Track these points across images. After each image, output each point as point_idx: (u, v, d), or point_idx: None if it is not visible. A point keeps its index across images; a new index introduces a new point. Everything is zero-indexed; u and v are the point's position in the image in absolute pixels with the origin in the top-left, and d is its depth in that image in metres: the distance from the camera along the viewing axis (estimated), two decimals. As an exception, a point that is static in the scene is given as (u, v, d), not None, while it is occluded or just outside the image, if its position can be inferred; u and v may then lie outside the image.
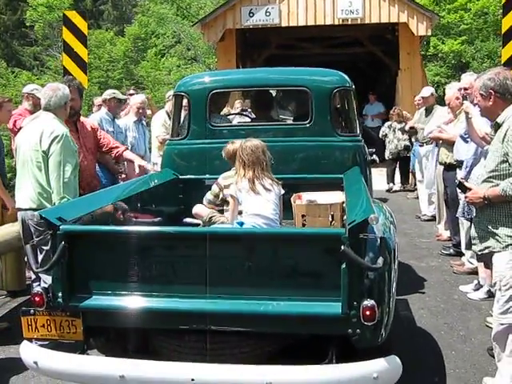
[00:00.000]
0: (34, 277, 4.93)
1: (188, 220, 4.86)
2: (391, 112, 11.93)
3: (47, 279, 3.55)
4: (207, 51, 29.41)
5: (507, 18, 9.57)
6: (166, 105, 8.55)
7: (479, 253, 3.86)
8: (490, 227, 3.68)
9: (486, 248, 3.74)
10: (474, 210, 3.93)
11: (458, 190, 5.16)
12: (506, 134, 3.60)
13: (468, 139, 5.79)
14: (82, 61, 9.44)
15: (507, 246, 3.60)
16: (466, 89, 6.18)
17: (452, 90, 6.88)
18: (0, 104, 6.00)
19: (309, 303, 2.96)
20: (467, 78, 6.28)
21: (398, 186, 12.15)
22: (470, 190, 3.86)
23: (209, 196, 4.68)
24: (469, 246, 5.80)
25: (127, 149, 6.20)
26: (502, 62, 9.89)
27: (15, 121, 6.45)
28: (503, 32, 9.98)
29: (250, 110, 7.68)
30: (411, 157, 10.72)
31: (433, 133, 7.32)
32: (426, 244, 7.82)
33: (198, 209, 4.66)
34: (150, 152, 8.44)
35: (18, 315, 3.30)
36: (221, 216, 4.49)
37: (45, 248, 4.15)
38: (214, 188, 4.65)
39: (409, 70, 13.72)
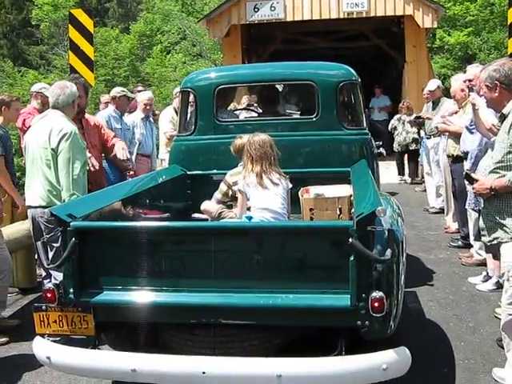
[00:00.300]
0: (44, 274, 4.96)
1: (196, 215, 4.87)
2: (400, 105, 12.00)
3: (58, 276, 3.58)
4: (212, 47, 29.39)
5: (513, 9, 9.55)
6: (173, 101, 8.57)
7: (488, 244, 3.87)
8: (497, 218, 3.69)
9: (494, 239, 3.75)
10: (482, 201, 3.94)
11: (466, 182, 5.16)
12: (511, 125, 3.61)
13: (473, 130, 5.78)
14: (88, 59, 9.47)
15: (515, 237, 3.61)
16: (470, 80, 6.18)
17: (457, 82, 6.86)
18: (8, 103, 6.04)
19: (317, 296, 2.97)
20: (472, 70, 6.27)
21: (406, 178, 12.25)
22: (477, 181, 3.87)
23: (217, 195, 4.66)
24: (477, 237, 5.80)
25: (115, 136, 6.22)
26: (509, 53, 9.87)
27: (24, 120, 6.49)
28: (509, 23, 9.95)
29: (256, 104, 7.70)
30: (420, 150, 10.73)
31: (439, 125, 7.31)
32: (434, 236, 7.82)
33: (206, 205, 4.65)
34: (158, 149, 8.47)
35: (30, 312, 3.34)
36: (229, 211, 4.50)
37: (55, 245, 4.19)
38: (222, 187, 4.63)
39: (415, 63, 13.67)
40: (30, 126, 5.96)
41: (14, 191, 5.86)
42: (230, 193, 4.59)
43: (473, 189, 3.99)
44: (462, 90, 6.71)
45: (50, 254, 4.23)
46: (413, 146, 11.54)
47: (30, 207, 4.75)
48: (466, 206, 5.90)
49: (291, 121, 5.51)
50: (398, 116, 11.92)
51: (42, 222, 4.55)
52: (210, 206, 4.62)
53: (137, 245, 3.19)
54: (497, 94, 3.78)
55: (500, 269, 3.97)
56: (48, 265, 3.35)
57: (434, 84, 8.99)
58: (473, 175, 4.10)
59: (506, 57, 8.71)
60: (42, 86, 7.01)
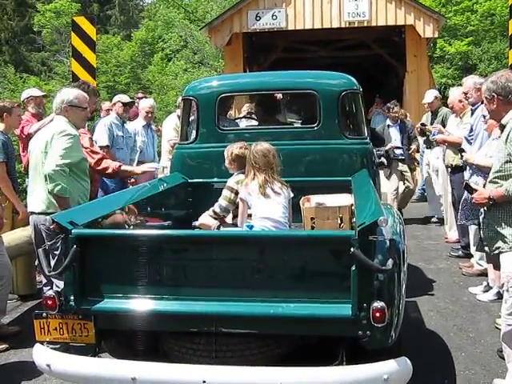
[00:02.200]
0: (45, 281, 4.96)
1: (197, 223, 4.87)
2: None
3: (59, 283, 3.57)
4: (214, 55, 29.48)
5: (514, 20, 9.60)
6: (177, 109, 8.57)
7: (491, 254, 3.88)
8: (497, 228, 3.71)
9: (496, 249, 3.76)
10: (483, 211, 3.94)
11: (466, 192, 5.17)
12: (508, 135, 3.65)
13: (471, 141, 5.82)
14: (90, 66, 9.49)
15: (514, 246, 3.63)
16: (465, 93, 6.25)
17: (453, 94, 7.08)
18: (9, 109, 6.03)
19: (319, 305, 2.97)
20: (468, 82, 6.33)
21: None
22: (476, 191, 3.89)
23: (223, 203, 4.44)
24: (478, 247, 5.81)
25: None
26: (509, 64, 9.90)
27: (23, 127, 6.50)
28: (510, 34, 9.98)
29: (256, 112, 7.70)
30: (419, 159, 10.78)
31: (437, 136, 7.36)
32: (434, 246, 7.83)
33: (203, 219, 4.56)
34: (159, 156, 8.47)
35: (29, 319, 3.33)
36: (228, 223, 4.48)
37: (57, 252, 4.18)
38: (228, 194, 4.43)
39: (416, 73, 13.69)
40: (29, 134, 5.99)
41: (15, 197, 5.86)
42: (237, 200, 4.38)
43: (472, 199, 4.00)
44: (460, 101, 6.81)
45: (52, 262, 4.23)
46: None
47: (33, 213, 4.74)
48: (458, 222, 5.93)
49: (292, 130, 5.52)
50: None
51: (43, 230, 4.54)
52: (207, 219, 4.54)
53: (138, 253, 3.18)
54: (495, 106, 3.84)
55: (500, 279, 3.97)
56: (49, 272, 3.35)
57: (430, 96, 9.00)
58: (472, 185, 4.11)
59: (506, 68, 8.74)
60: (28, 91, 7.03)
